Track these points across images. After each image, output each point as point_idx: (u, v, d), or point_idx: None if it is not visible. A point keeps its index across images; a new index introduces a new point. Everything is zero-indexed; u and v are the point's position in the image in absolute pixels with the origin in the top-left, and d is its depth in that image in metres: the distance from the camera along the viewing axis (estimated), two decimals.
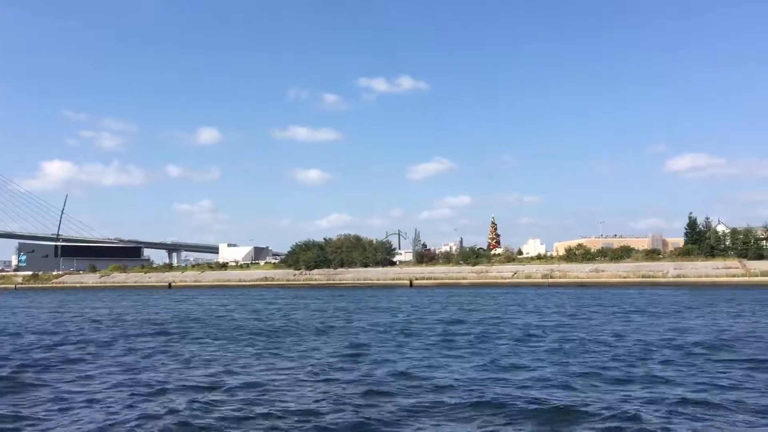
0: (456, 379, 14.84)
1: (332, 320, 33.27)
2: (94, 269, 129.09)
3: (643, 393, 13.00)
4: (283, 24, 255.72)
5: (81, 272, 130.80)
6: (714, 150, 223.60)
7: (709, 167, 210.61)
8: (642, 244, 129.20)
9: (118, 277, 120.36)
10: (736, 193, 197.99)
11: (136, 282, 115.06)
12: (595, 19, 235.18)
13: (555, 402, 12.11)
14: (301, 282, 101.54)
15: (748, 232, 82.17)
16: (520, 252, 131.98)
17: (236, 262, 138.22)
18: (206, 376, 16.10)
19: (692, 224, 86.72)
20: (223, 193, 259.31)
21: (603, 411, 11.31)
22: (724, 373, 15.42)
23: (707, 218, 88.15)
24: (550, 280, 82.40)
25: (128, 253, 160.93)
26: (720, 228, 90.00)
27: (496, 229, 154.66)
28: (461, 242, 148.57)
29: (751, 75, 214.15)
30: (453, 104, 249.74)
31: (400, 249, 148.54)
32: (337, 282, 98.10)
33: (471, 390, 13.51)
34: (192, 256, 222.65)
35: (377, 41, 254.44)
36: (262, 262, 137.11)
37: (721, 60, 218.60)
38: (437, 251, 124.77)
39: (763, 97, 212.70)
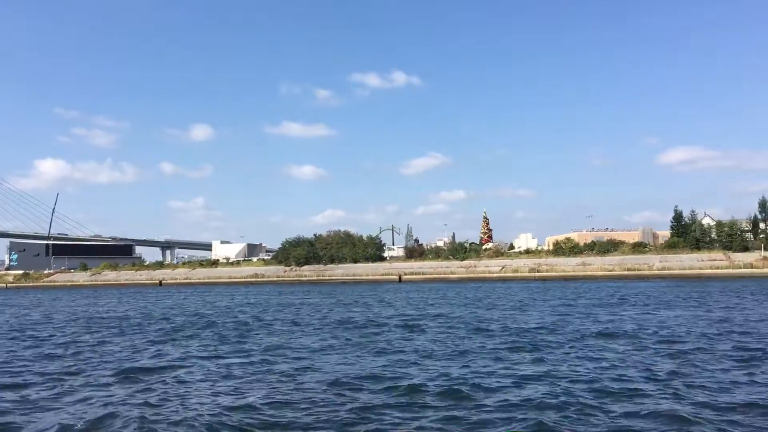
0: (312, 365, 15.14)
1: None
2: (85, 267, 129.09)
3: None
4: (274, 19, 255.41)
5: (72, 271, 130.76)
6: (707, 143, 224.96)
7: (702, 160, 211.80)
8: (633, 237, 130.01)
9: (109, 275, 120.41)
10: (728, 185, 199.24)
11: (127, 280, 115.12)
12: (588, 12, 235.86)
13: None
14: (291, 278, 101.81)
15: (733, 224, 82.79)
16: (511, 246, 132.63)
17: (227, 259, 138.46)
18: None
19: (678, 217, 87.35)
20: (217, 190, 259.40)
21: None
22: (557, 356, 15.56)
23: (693, 211, 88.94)
24: (537, 274, 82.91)
25: (120, 251, 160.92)
26: (706, 221, 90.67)
27: (488, 223, 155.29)
28: (453, 237, 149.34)
29: (744, 68, 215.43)
30: (446, 99, 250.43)
31: (393, 245, 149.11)
32: (327, 278, 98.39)
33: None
34: (186, 254, 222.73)
35: (369, 36, 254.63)
36: (255, 259, 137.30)
37: (713, 53, 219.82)
38: (428, 246, 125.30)
39: (756, 89, 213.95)
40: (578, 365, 15.08)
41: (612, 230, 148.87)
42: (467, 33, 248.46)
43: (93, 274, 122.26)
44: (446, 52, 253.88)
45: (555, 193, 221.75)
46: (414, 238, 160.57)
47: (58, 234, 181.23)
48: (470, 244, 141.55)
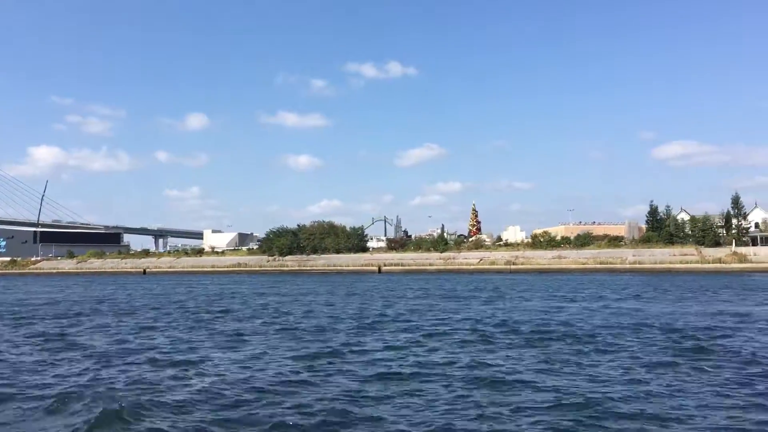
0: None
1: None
2: (71, 255, 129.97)
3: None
4: (270, 8, 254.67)
5: (59, 258, 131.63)
6: (703, 137, 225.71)
7: (698, 155, 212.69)
8: (619, 231, 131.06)
9: (95, 263, 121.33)
10: (724, 180, 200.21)
11: (112, 268, 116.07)
12: (586, 4, 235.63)
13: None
14: (273, 268, 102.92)
15: (706, 220, 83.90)
16: (499, 239, 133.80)
17: (212, 248, 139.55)
18: None
19: (653, 212, 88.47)
20: (212, 179, 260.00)
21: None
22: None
23: (668, 206, 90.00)
24: (512, 267, 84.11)
25: (108, 239, 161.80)
26: (682, 216, 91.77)
27: (476, 215, 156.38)
28: (442, 229, 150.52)
29: (741, 63, 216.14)
30: (442, 90, 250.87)
31: (385, 235, 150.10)
32: (309, 268, 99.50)
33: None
34: (180, 242, 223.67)
35: (365, 26, 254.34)
36: (245, 249, 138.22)
37: (710, 47, 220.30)
38: (417, 238, 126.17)
39: (752, 84, 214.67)
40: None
41: (599, 224, 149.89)
42: (463, 24, 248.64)
43: (79, 262, 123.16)
44: (442, 43, 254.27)
45: (551, 185, 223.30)
46: (403, 229, 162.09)
47: (52, 221, 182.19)
48: (459, 236, 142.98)
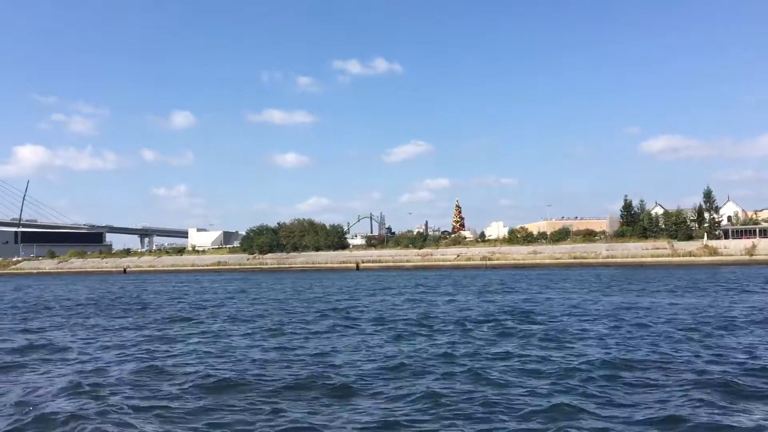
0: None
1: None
2: (52, 255, 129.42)
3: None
4: (255, 5, 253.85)
5: (40, 258, 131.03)
6: (688, 132, 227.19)
7: (684, 149, 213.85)
8: (601, 225, 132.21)
9: (76, 263, 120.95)
10: (710, 174, 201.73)
11: (92, 267, 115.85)
12: (571, 3, 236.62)
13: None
14: (253, 266, 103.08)
15: (679, 213, 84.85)
16: (482, 234, 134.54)
17: (193, 246, 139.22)
18: None
19: (627, 206, 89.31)
20: (199, 177, 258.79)
21: None
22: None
23: (642, 201, 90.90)
24: (488, 262, 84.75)
25: (90, 239, 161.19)
26: (657, 210, 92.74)
27: (460, 212, 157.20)
28: (426, 225, 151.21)
29: (724, 58, 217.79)
30: (428, 87, 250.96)
31: (372, 232, 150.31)
32: (288, 266, 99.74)
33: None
34: (166, 241, 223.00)
35: (349, 23, 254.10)
36: (229, 247, 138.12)
37: (694, 43, 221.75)
38: (398, 235, 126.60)
39: (737, 79, 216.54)
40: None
41: (582, 218, 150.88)
42: (447, 20, 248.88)
43: (60, 262, 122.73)
44: (426, 39, 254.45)
45: (538, 181, 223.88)
46: (387, 226, 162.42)
47: (26, 221, 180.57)
48: (443, 232, 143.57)
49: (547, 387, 10.98)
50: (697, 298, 28.63)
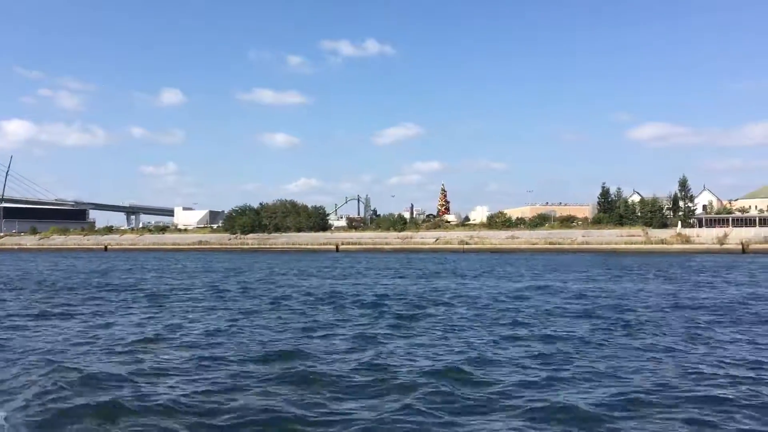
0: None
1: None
2: (34, 231, 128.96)
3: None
4: None
5: (22, 234, 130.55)
6: (676, 119, 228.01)
7: (672, 136, 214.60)
8: (583, 212, 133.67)
9: (57, 240, 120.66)
10: (698, 162, 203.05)
11: (74, 244, 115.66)
12: None
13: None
14: (235, 246, 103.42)
15: (654, 201, 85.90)
16: (467, 218, 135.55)
17: (174, 225, 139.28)
18: None
19: (605, 194, 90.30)
20: (188, 156, 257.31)
21: None
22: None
23: (618, 188, 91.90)
24: (466, 246, 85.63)
25: (73, 216, 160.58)
26: (634, 198, 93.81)
27: (445, 196, 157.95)
28: (411, 208, 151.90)
29: (712, 45, 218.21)
30: (419, 69, 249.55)
31: (359, 214, 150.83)
32: (269, 246, 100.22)
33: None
34: (153, 219, 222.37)
35: (339, 2, 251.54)
36: (215, 226, 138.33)
37: (682, 30, 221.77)
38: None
39: (724, 66, 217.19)
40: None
41: (565, 204, 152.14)
42: (439, 3, 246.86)
43: (41, 238, 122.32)
44: (418, 21, 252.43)
45: (528, 166, 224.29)
46: (372, 208, 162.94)
47: (15, 196, 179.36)
48: (427, 215, 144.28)
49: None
50: (598, 282, 29.45)
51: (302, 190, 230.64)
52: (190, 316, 18.71)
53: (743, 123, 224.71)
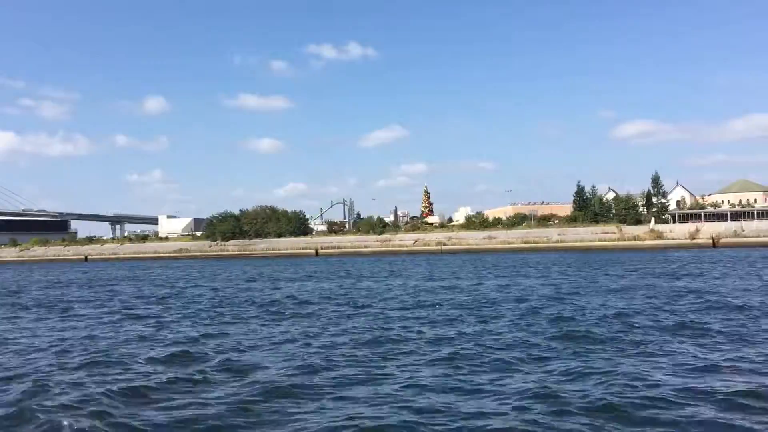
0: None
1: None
2: (15, 243, 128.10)
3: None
4: None
5: (2, 246, 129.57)
6: (661, 116, 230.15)
7: (657, 133, 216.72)
8: (565, 210, 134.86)
9: (38, 251, 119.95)
10: (682, 158, 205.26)
11: (54, 255, 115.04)
12: None
13: None
14: (215, 253, 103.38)
15: (628, 199, 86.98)
16: (450, 219, 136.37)
17: (155, 234, 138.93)
18: None
19: (580, 192, 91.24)
20: (174, 163, 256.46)
21: None
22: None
23: (593, 186, 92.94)
24: (443, 248, 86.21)
25: (54, 227, 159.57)
26: (609, 195, 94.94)
27: (429, 197, 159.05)
28: (395, 211, 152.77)
29: (696, 41, 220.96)
30: (403, 71, 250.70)
31: (345, 218, 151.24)
32: (249, 252, 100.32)
33: None
34: (138, 228, 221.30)
35: (320, 7, 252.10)
36: (199, 234, 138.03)
37: (667, 27, 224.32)
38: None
39: (708, 63, 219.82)
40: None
41: (548, 203, 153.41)
42: (421, 3, 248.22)
43: (22, 250, 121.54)
44: (400, 23, 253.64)
45: (515, 165, 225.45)
46: (356, 212, 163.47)
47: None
48: (411, 217, 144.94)
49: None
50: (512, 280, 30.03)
51: (290, 195, 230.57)
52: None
53: (726, 119, 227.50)
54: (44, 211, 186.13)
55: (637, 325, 15.28)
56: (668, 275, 32.24)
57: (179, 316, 20.80)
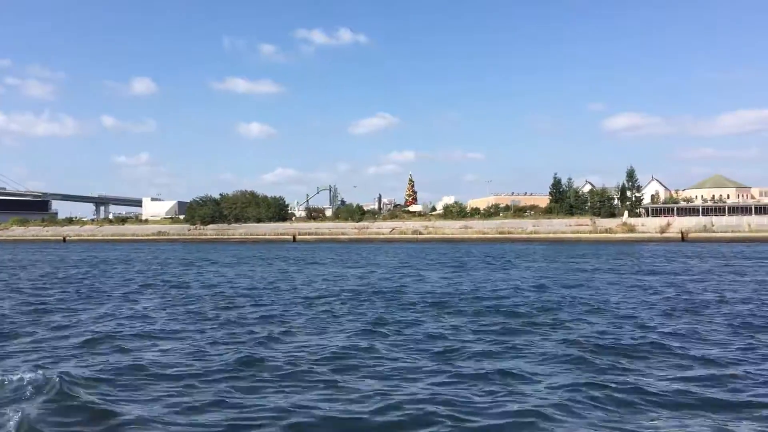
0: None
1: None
2: None
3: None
4: None
5: None
6: (650, 109, 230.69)
7: (646, 126, 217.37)
8: (547, 202, 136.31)
9: (17, 231, 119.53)
10: (670, 151, 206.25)
11: (33, 236, 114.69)
12: None
13: None
14: (194, 236, 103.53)
15: (603, 192, 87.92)
16: (433, 209, 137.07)
17: (137, 216, 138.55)
18: None
19: (556, 184, 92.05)
20: (162, 146, 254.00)
21: None
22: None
23: (570, 179, 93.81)
24: (419, 236, 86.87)
25: (35, 206, 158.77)
26: (586, 188, 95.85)
27: (413, 186, 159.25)
28: (379, 199, 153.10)
29: (685, 36, 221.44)
30: (394, 59, 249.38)
31: (331, 205, 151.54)
32: (228, 237, 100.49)
33: None
34: (123, 210, 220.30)
35: None
36: (182, 217, 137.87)
37: (655, 22, 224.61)
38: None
39: (697, 57, 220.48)
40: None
41: (530, 194, 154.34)
42: None
43: (0, 230, 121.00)
44: (391, 10, 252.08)
45: (504, 156, 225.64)
46: (341, 199, 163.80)
47: None
48: (395, 205, 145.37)
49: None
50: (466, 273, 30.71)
51: (279, 180, 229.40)
52: None
53: (716, 113, 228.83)
54: (30, 191, 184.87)
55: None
56: (596, 269, 32.92)
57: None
